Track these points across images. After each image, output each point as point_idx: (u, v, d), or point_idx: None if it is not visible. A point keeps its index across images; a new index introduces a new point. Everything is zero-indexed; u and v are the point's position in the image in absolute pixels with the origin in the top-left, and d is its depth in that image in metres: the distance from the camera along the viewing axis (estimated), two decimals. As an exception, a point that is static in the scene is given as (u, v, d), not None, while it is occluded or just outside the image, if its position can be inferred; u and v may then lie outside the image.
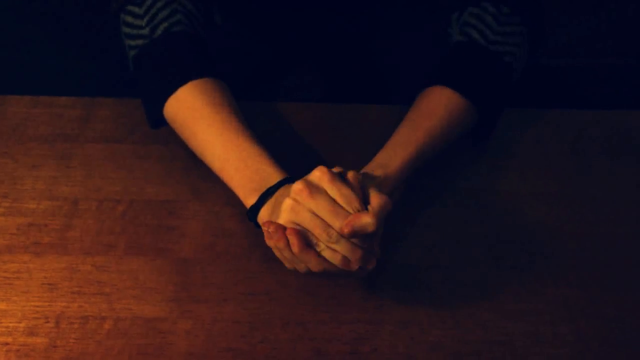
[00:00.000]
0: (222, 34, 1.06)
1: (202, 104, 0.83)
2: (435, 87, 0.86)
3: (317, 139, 0.92)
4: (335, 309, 0.76)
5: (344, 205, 0.68)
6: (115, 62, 0.93)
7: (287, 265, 0.73)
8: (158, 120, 0.87)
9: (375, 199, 0.69)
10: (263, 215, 0.75)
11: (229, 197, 0.81)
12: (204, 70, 0.85)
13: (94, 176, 0.88)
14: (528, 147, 0.92)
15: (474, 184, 0.88)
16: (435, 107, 0.84)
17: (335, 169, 0.72)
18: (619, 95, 1.75)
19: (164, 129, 0.88)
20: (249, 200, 0.77)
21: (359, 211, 0.68)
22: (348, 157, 0.88)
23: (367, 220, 0.66)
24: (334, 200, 0.68)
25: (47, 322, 0.75)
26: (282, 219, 0.69)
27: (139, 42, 0.88)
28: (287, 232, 0.68)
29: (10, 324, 0.74)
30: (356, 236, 0.67)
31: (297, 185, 0.69)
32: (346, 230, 0.66)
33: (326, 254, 0.68)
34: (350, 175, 0.71)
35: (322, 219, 0.68)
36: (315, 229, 0.68)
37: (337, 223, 0.67)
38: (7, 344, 0.73)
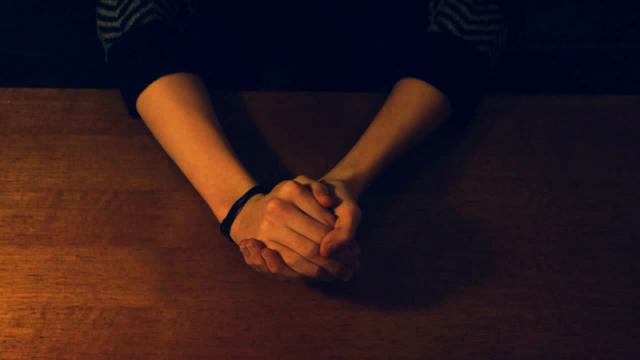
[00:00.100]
0: (201, 22, 1.06)
1: (172, 105, 0.82)
2: (410, 79, 0.86)
3: (299, 127, 0.92)
4: (319, 295, 0.77)
5: (317, 218, 0.70)
6: (98, 53, 0.92)
7: (269, 276, 0.74)
8: (136, 112, 0.87)
9: (345, 213, 0.70)
10: (235, 229, 0.76)
11: (213, 186, 0.81)
12: (175, 64, 0.85)
13: (77, 167, 0.88)
14: (509, 133, 0.93)
15: (456, 170, 0.89)
16: (409, 101, 0.84)
17: (301, 180, 0.73)
18: (599, 80, 1.77)
19: (148, 119, 0.88)
20: (220, 213, 0.78)
21: (330, 225, 0.69)
22: (331, 143, 0.89)
23: (341, 237, 0.67)
24: (306, 214, 0.70)
25: (33, 313, 0.75)
26: (260, 239, 0.71)
27: (112, 35, 0.87)
28: (263, 252, 0.69)
29: (-4, 316, 0.75)
30: (334, 254, 0.68)
31: (270, 205, 0.70)
32: (324, 253, 0.67)
33: (303, 267, 0.69)
34: (315, 187, 0.72)
35: (298, 234, 0.69)
36: (292, 244, 0.69)
37: (314, 236, 0.68)
38: (-7, 335, 0.73)
